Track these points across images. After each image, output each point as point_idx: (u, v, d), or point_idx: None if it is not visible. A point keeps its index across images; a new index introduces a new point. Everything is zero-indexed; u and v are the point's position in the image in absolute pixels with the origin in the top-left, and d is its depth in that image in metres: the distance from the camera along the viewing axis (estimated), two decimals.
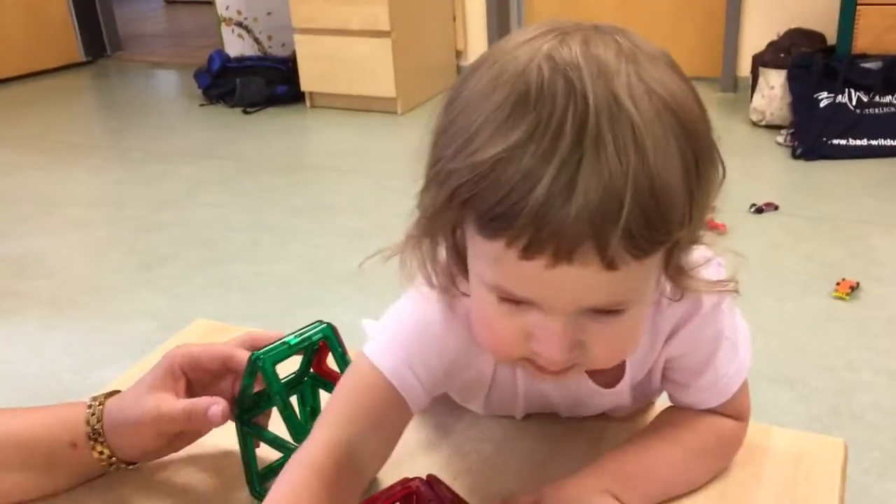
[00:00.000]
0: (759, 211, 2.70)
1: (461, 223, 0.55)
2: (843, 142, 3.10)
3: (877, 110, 3.11)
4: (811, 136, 3.11)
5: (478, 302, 0.57)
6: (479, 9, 4.27)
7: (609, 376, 0.69)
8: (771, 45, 3.44)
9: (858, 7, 3.13)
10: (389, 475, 0.68)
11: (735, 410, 0.70)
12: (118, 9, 5.68)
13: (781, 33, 3.47)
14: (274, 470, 0.70)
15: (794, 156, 3.13)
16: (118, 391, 0.72)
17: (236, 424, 0.70)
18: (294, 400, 0.72)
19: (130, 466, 0.72)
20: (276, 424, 0.68)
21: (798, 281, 2.30)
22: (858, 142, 3.10)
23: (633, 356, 0.67)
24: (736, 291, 0.63)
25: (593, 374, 0.69)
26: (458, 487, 0.65)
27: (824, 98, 3.12)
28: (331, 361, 0.71)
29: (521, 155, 0.48)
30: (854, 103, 3.11)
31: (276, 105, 4.18)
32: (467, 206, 0.51)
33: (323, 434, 0.61)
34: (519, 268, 0.50)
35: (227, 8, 4.52)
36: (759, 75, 3.40)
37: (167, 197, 3.17)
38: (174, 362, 0.70)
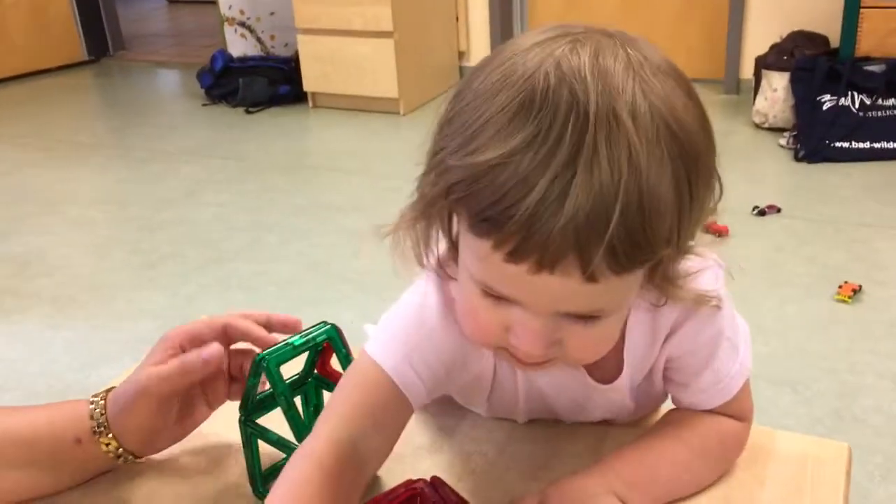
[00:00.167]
0: (762, 213, 2.70)
1: (455, 213, 0.56)
2: (845, 145, 3.10)
3: (880, 113, 3.11)
4: (814, 139, 3.11)
5: (464, 290, 0.59)
6: (482, 10, 4.27)
7: (606, 372, 0.69)
8: (774, 47, 3.44)
9: (862, 10, 3.13)
10: (393, 476, 0.68)
11: (737, 411, 0.70)
12: (121, 8, 5.69)
13: (784, 35, 3.47)
14: (277, 470, 0.70)
15: (797, 158, 3.13)
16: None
17: (240, 425, 0.70)
18: (298, 401, 0.72)
19: (138, 459, 0.71)
20: (280, 425, 0.68)
21: (800, 283, 2.30)
22: (861, 145, 3.09)
23: (631, 356, 0.67)
24: (718, 307, 0.64)
25: (590, 370, 0.69)
26: (462, 489, 0.65)
27: (827, 101, 3.11)
28: (335, 362, 0.72)
29: (518, 162, 0.48)
30: (857, 106, 3.11)
31: (279, 105, 4.18)
32: (461, 203, 0.52)
33: (325, 430, 0.62)
34: (503, 269, 0.51)
35: (229, 8, 4.53)
36: (762, 77, 3.40)
37: (169, 196, 3.17)
38: (173, 341, 0.70)
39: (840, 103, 3.10)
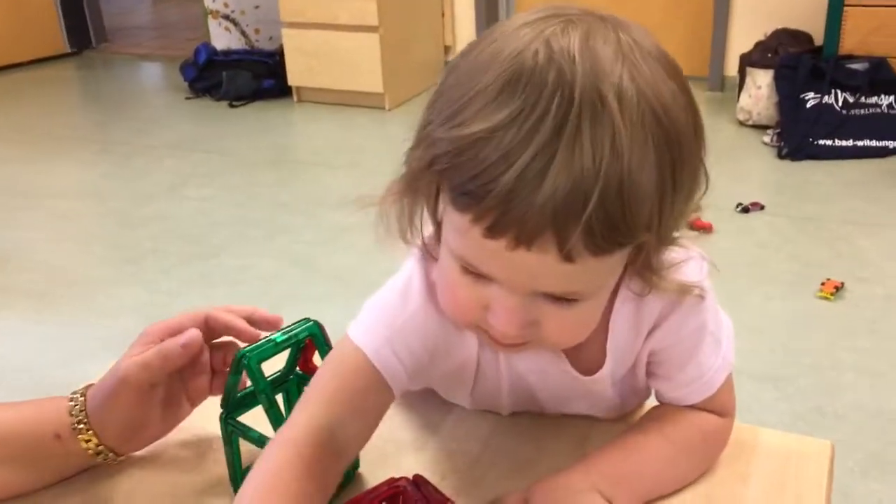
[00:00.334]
0: (745, 210, 2.71)
1: (440, 187, 0.56)
2: (829, 142, 3.12)
3: (863, 111, 3.13)
4: (797, 136, 3.12)
5: (444, 266, 0.59)
6: (468, 5, 4.27)
7: (589, 363, 0.69)
8: (758, 44, 3.45)
9: (845, 8, 3.15)
10: (376, 474, 0.68)
11: (719, 407, 0.70)
12: (104, 0, 5.63)
13: (769, 33, 3.49)
14: None
15: (781, 156, 3.14)
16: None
17: (221, 422, 0.69)
18: (280, 398, 0.71)
19: (119, 458, 0.71)
20: (262, 423, 0.67)
21: (783, 280, 2.31)
22: (844, 142, 3.11)
23: (614, 347, 0.67)
24: (701, 297, 0.64)
25: (573, 361, 0.69)
26: (445, 487, 0.65)
27: (811, 98, 3.13)
28: (317, 359, 0.71)
29: (502, 136, 0.49)
30: (840, 104, 3.13)
31: (263, 99, 4.16)
32: (444, 176, 0.52)
33: (304, 416, 0.62)
34: (482, 244, 0.52)
35: (214, 0, 4.49)
36: (747, 75, 3.41)
37: (152, 190, 3.15)
38: (154, 336, 0.69)
39: (823, 101, 3.12)
